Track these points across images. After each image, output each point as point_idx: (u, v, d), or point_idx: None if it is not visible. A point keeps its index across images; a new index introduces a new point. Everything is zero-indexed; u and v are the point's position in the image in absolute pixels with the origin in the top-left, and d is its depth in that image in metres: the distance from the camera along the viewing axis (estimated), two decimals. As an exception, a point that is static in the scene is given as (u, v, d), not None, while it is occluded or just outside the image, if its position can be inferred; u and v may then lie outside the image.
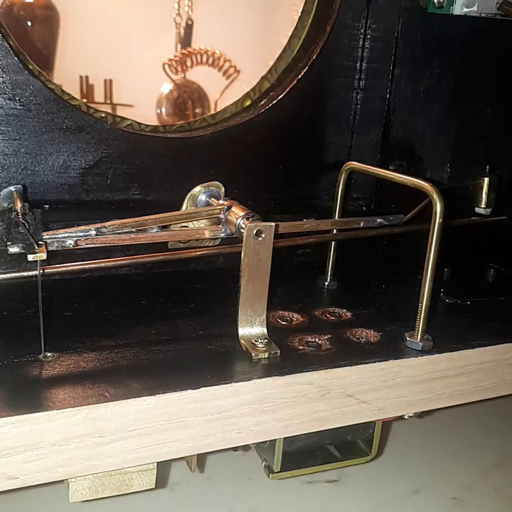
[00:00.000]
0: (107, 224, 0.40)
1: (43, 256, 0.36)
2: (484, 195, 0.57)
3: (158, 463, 0.37)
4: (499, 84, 0.59)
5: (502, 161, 0.60)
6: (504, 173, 0.60)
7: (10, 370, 0.36)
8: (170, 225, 0.44)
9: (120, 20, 1.09)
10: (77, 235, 0.39)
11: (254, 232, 0.39)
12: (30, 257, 0.36)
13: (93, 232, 0.40)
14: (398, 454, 0.59)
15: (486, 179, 0.57)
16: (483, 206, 0.57)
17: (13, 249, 0.37)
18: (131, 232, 0.41)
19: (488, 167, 0.57)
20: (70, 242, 0.39)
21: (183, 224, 0.45)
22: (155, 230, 0.42)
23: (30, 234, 0.37)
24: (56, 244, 0.39)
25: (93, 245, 0.40)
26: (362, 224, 0.49)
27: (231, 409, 0.36)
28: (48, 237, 0.39)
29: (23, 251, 0.37)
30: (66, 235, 0.39)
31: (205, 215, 0.44)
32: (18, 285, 0.41)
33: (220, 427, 0.36)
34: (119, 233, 0.41)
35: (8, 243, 0.37)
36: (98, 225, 0.40)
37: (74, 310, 0.45)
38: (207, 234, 0.44)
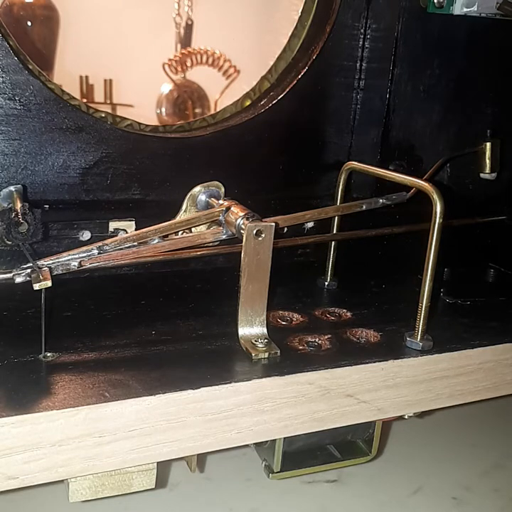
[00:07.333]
0: (108, 241, 0.40)
1: (48, 283, 0.36)
2: (488, 160, 0.56)
3: (158, 463, 0.37)
4: (499, 84, 0.59)
5: (502, 161, 0.60)
6: (504, 173, 0.60)
7: (10, 370, 0.36)
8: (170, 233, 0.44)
9: (120, 20, 1.08)
10: (80, 255, 0.39)
11: (254, 232, 0.39)
12: (36, 286, 0.36)
13: (95, 251, 0.40)
14: (398, 454, 0.59)
15: (488, 144, 0.56)
16: (487, 171, 0.56)
17: (19, 279, 0.37)
18: (133, 246, 0.41)
19: (488, 132, 0.56)
20: (74, 265, 0.39)
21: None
22: (156, 240, 0.42)
23: (32, 261, 0.37)
24: (61, 269, 0.39)
25: (97, 264, 0.40)
26: (364, 206, 0.48)
27: (231, 409, 0.36)
28: (51, 262, 0.38)
29: (29, 279, 0.37)
30: (69, 257, 0.39)
31: (205, 220, 0.44)
32: (18, 285, 0.41)
33: (220, 427, 0.36)
34: (121, 249, 0.41)
35: (14, 274, 0.37)
36: (99, 244, 0.40)
37: (74, 310, 0.45)
38: (208, 238, 0.44)
